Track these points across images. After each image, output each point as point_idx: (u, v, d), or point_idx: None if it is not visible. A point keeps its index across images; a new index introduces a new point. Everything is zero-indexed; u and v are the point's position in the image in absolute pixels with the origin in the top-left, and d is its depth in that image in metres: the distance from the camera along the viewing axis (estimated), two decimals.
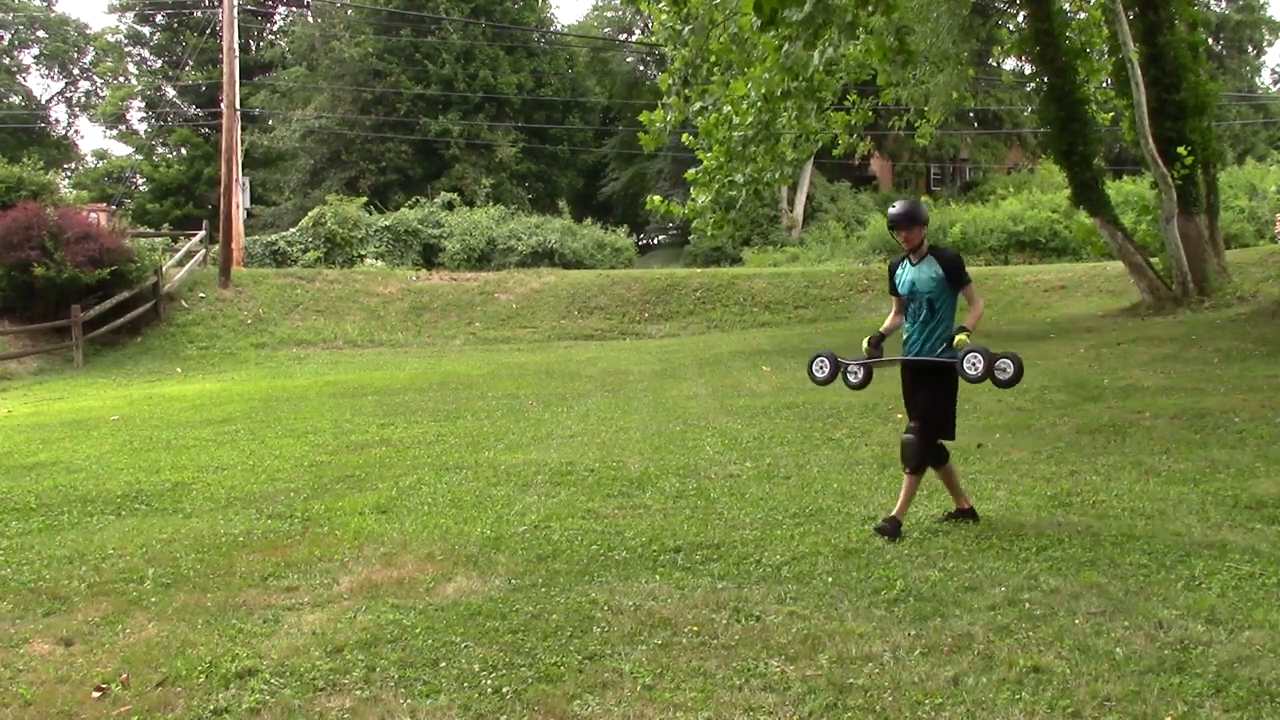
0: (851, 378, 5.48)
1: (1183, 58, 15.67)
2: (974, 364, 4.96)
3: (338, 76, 38.24)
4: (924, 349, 5.21)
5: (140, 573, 4.85)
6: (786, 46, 10.47)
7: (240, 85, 24.34)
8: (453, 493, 6.42)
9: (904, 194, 40.76)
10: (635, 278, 23.30)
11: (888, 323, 5.47)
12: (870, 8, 10.26)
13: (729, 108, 13.25)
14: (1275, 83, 55.83)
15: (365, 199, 30.11)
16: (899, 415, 8.61)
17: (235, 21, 22.72)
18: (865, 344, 5.41)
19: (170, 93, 45.93)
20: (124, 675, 3.61)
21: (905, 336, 5.35)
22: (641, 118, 14.12)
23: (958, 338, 5.06)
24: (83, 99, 50.84)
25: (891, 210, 5.33)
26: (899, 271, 5.37)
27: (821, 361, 5.48)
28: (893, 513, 5.15)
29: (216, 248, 22.61)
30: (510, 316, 21.32)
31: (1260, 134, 45.81)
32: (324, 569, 4.84)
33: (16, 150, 31.93)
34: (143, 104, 47.08)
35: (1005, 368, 4.97)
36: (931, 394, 5.18)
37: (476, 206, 30.16)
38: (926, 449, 5.12)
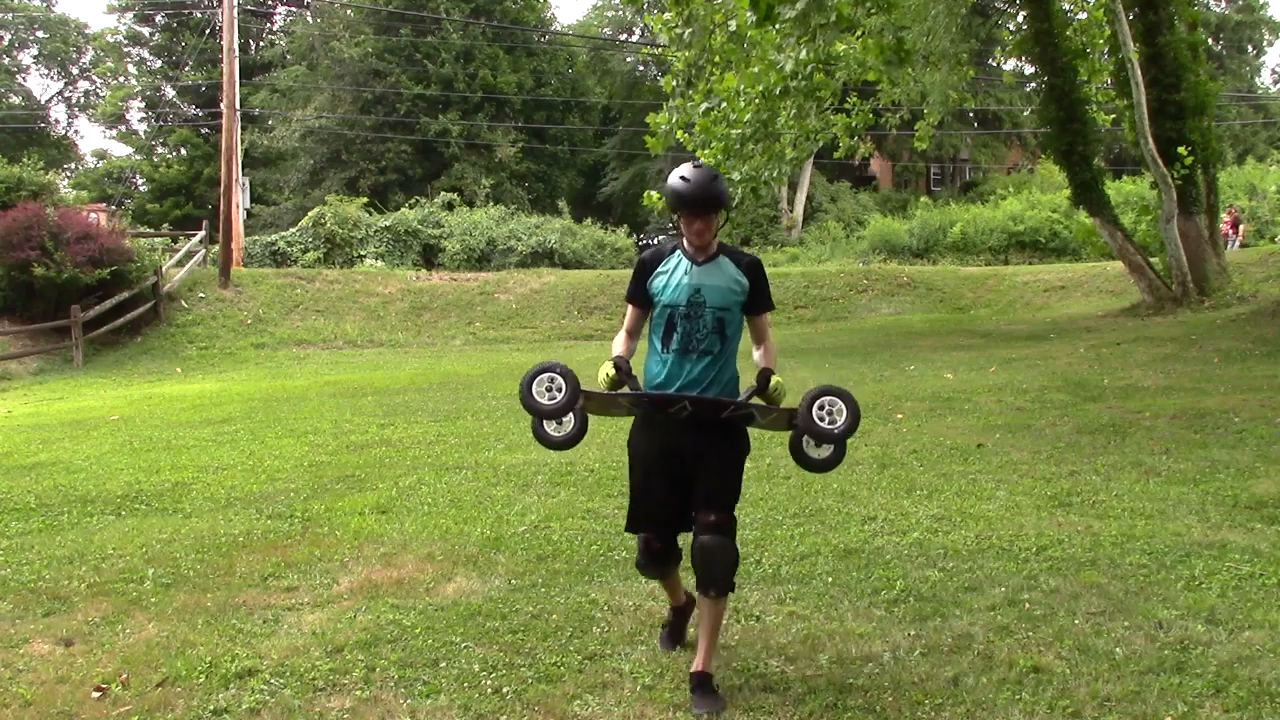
0: (552, 430, 3.50)
1: (1183, 58, 15.69)
2: (832, 412, 3.27)
3: (338, 76, 38.25)
4: (713, 394, 3.32)
5: (140, 573, 4.84)
6: (779, 40, 10.53)
7: (240, 85, 24.35)
8: (453, 493, 6.42)
9: (904, 194, 40.68)
10: None
11: (623, 344, 3.46)
12: (869, 6, 10.30)
13: (726, 104, 13.30)
14: (1275, 83, 55.92)
15: (365, 199, 30.12)
16: (899, 415, 8.60)
17: (235, 21, 22.72)
18: (610, 371, 3.40)
19: (170, 93, 45.95)
20: (124, 675, 3.61)
21: (658, 374, 3.37)
22: (648, 120, 14.15)
23: (774, 379, 3.37)
24: (82, 99, 50.91)
25: (683, 178, 3.29)
26: (666, 270, 3.40)
27: (553, 379, 3.35)
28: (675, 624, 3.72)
29: (216, 248, 22.61)
30: (510, 316, 21.32)
31: (1260, 134, 45.85)
32: (324, 569, 4.84)
33: (16, 150, 31.92)
34: (143, 104, 47.11)
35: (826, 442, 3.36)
36: (729, 467, 3.36)
37: (476, 206, 30.18)
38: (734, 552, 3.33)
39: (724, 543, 3.26)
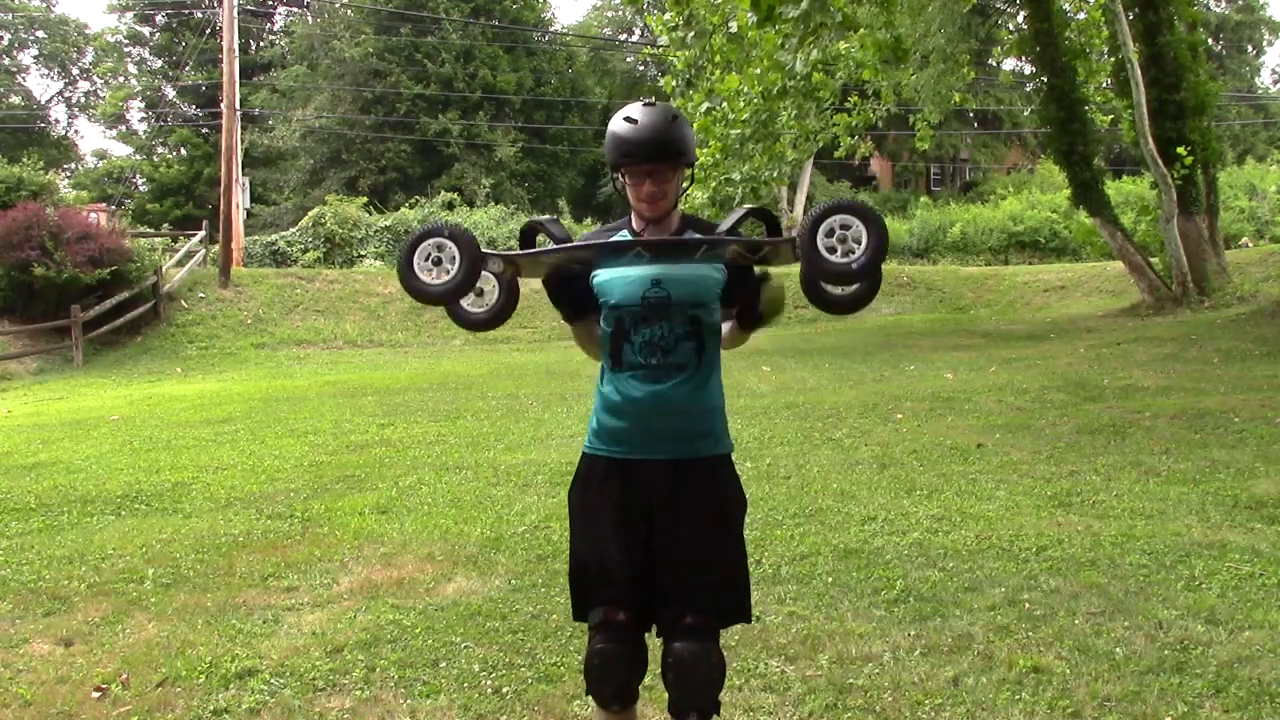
0: (468, 304, 2.56)
1: (1183, 58, 15.70)
2: (846, 238, 2.29)
3: (338, 76, 38.27)
4: (689, 427, 2.43)
5: (140, 573, 4.84)
6: (780, 41, 10.54)
7: (240, 85, 24.34)
8: (453, 493, 6.42)
9: (904, 194, 40.64)
10: None
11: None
12: (866, 3, 10.31)
13: (727, 104, 13.31)
14: (1275, 83, 55.95)
15: (365, 199, 30.12)
16: (899, 415, 8.60)
17: (235, 21, 22.71)
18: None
19: (170, 93, 45.96)
20: (124, 675, 3.61)
21: (614, 402, 2.47)
22: None
23: (769, 289, 2.58)
24: (82, 99, 50.87)
25: (628, 118, 2.37)
26: (609, 265, 2.48)
27: (441, 245, 2.38)
28: None
29: (216, 248, 22.61)
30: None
31: (1260, 134, 45.87)
32: (324, 569, 4.84)
33: (16, 150, 31.87)
34: (143, 104, 47.13)
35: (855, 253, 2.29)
36: (717, 543, 2.43)
37: (476, 206, 30.19)
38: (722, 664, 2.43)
39: (705, 649, 2.36)
